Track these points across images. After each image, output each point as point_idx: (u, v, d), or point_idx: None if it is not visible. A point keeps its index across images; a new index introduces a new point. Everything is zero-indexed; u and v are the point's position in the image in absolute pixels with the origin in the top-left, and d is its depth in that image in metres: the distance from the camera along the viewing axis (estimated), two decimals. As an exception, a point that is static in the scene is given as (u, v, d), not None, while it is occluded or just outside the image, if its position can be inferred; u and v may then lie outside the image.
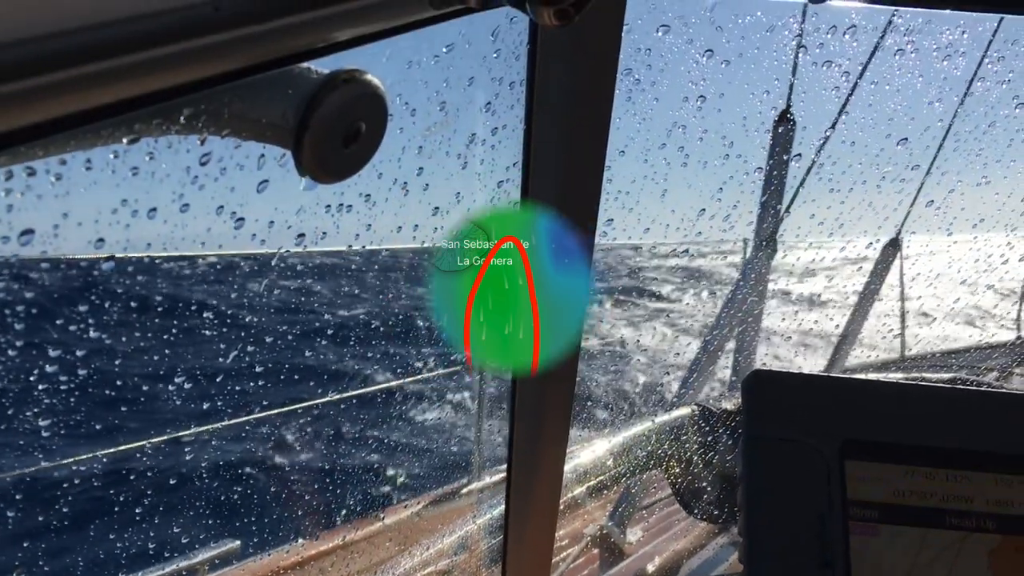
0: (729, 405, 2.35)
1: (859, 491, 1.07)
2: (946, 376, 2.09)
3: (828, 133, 5.40)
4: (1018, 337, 8.97)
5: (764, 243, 5.45)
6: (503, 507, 1.36)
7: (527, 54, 0.82)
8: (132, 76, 0.48)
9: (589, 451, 2.48)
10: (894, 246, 7.30)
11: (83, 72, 0.45)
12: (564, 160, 0.94)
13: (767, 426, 1.11)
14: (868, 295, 6.77)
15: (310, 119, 0.63)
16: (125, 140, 0.55)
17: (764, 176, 5.65)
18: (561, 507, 2.61)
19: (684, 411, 2.42)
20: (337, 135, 0.65)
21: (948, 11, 0.91)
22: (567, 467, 2.47)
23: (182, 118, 0.59)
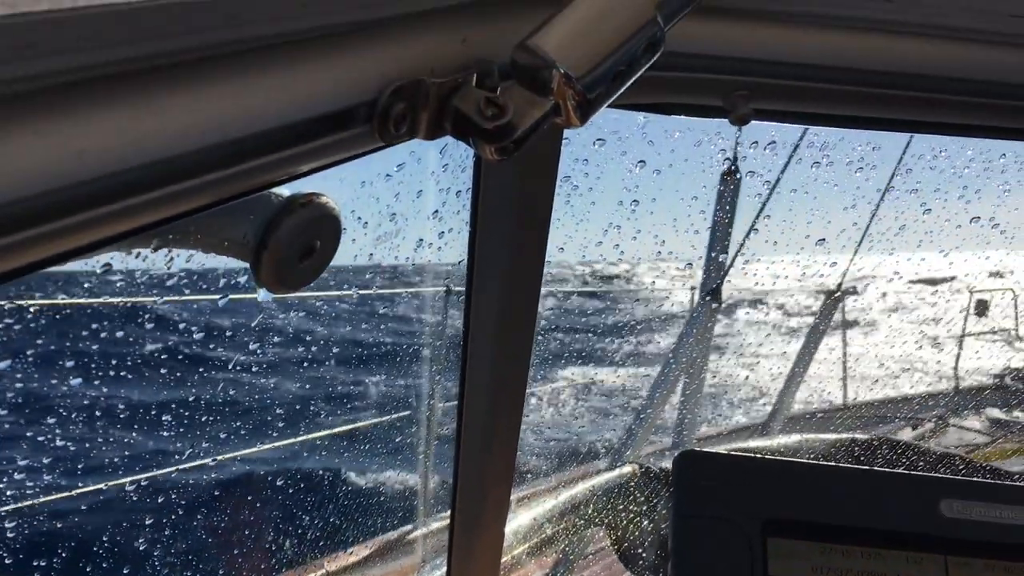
0: (670, 465, 2.41)
1: (780, 568, 1.14)
2: (874, 436, 2.19)
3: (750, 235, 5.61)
4: (955, 387, 9.22)
5: (708, 295, 5.57)
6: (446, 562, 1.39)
7: (472, 166, 0.89)
8: (112, 221, 0.54)
9: (530, 508, 2.52)
10: (835, 300, 7.48)
11: (64, 224, 0.51)
12: (507, 255, 1.00)
13: (695, 505, 1.17)
14: (809, 347, 6.93)
15: (268, 240, 0.68)
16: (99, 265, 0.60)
17: (709, 231, 5.81)
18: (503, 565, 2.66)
19: (626, 470, 2.48)
20: (293, 253, 0.70)
21: (860, 130, 1.00)
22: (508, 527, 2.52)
23: (153, 241, 0.65)
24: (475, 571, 1.43)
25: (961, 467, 1.87)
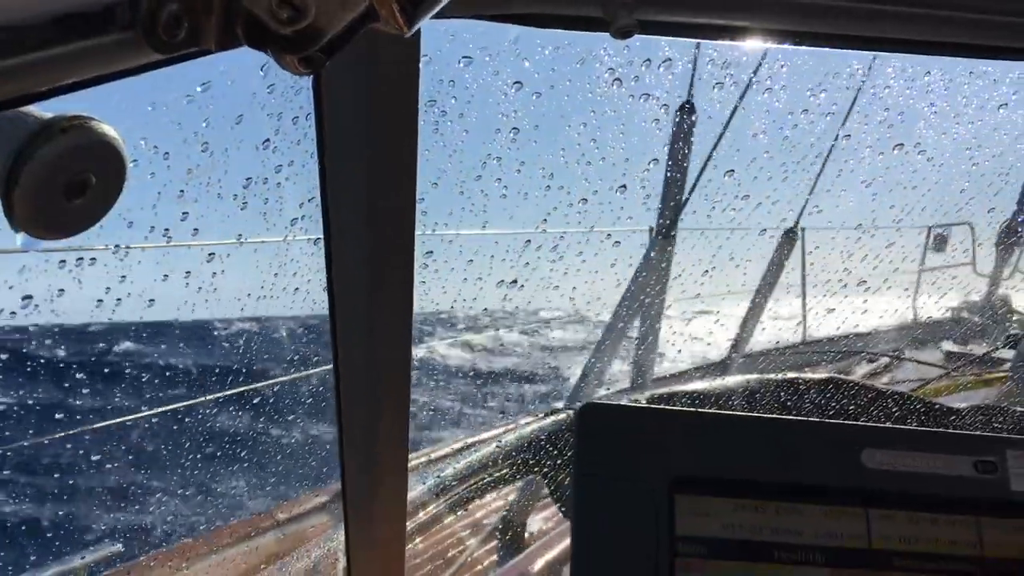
0: (605, 402, 2.34)
1: (688, 526, 1.05)
2: (823, 376, 2.13)
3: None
4: (913, 321, 9.30)
5: (663, 235, 5.49)
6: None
7: (311, 87, 0.77)
8: None
9: (464, 457, 2.44)
10: (791, 236, 7.45)
11: None
12: (370, 194, 0.89)
13: (597, 462, 1.08)
14: (766, 285, 6.91)
15: (19, 173, 0.56)
16: None
17: (665, 167, 5.71)
18: (446, 507, 2.60)
19: (561, 416, 2.39)
20: (55, 189, 0.58)
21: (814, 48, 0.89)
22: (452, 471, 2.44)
23: None
24: (378, 532, 1.34)
25: (895, 408, 1.81)
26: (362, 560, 1.35)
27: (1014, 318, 8.84)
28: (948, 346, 7.34)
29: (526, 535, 2.90)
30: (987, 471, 1.07)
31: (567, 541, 2.92)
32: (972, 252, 10.00)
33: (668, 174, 5.70)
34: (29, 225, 0.58)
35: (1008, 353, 5.29)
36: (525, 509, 2.84)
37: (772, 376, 2.20)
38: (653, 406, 1.13)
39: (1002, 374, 4.61)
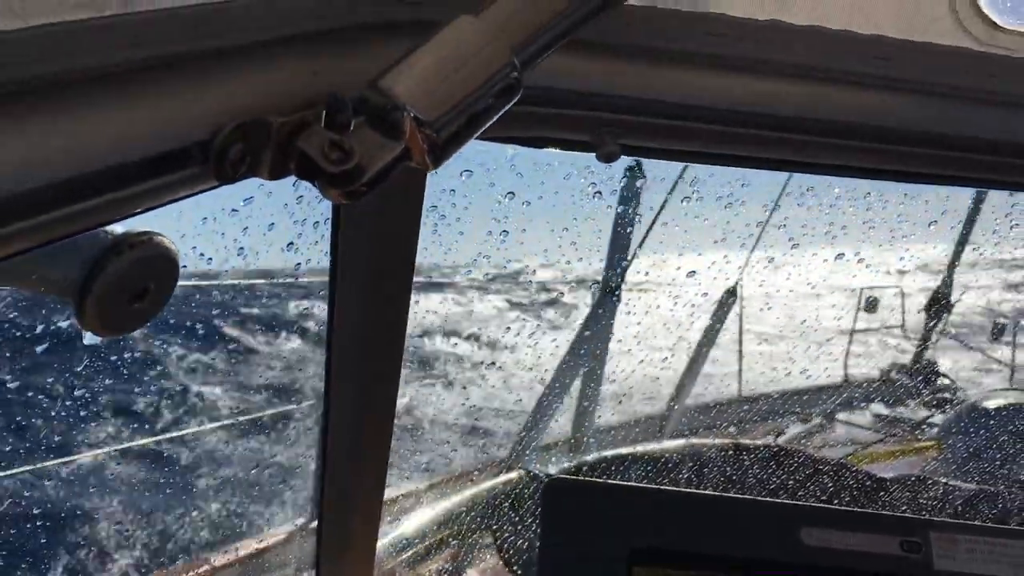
0: (555, 471, 2.42)
1: None
2: (758, 443, 2.25)
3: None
4: (844, 379, 9.55)
5: (609, 292, 5.62)
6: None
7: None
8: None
9: (415, 514, 2.50)
10: (731, 295, 7.65)
11: None
12: (369, 287, 0.98)
13: (562, 536, 1.16)
14: (705, 342, 7.07)
15: (93, 282, 0.64)
16: None
17: (611, 227, 5.87)
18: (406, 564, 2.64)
19: (512, 475, 2.47)
20: (121, 296, 0.66)
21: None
22: (393, 531, 2.49)
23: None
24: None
25: (829, 482, 1.93)
26: None
27: (941, 382, 9.11)
28: (877, 408, 7.56)
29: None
30: (912, 550, 1.18)
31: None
32: (902, 315, 10.34)
33: (615, 232, 5.86)
34: (94, 324, 0.66)
35: (935, 418, 5.50)
36: (473, 567, 2.90)
37: (716, 442, 2.31)
38: (612, 483, 1.22)
39: (930, 442, 4.80)
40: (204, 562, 3.69)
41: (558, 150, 0.94)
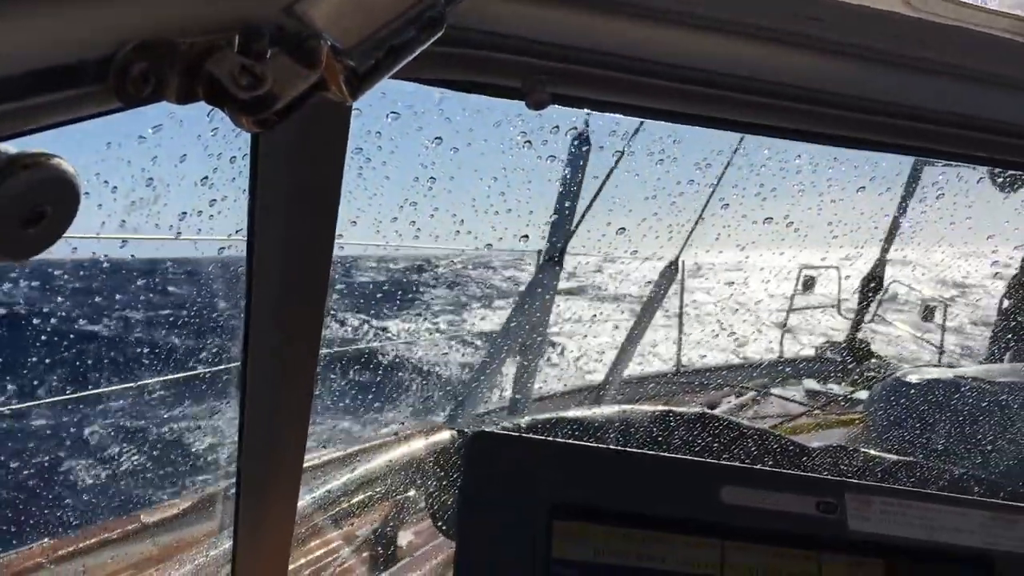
0: (488, 431, 2.42)
1: (564, 551, 1.14)
2: (695, 411, 2.27)
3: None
4: (779, 357, 9.75)
5: (550, 260, 5.63)
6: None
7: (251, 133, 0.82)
8: None
9: (342, 473, 2.49)
10: (672, 268, 7.71)
11: None
12: (290, 227, 0.95)
13: (483, 487, 1.16)
14: (646, 313, 7.13)
15: (-18, 204, 0.60)
16: None
17: (557, 193, 5.86)
18: (329, 521, 2.62)
19: (445, 435, 2.46)
20: (13, 219, 0.63)
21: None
22: (319, 489, 2.47)
23: None
24: (265, 541, 1.38)
25: (754, 447, 1.96)
26: (248, 565, 1.39)
27: (872, 360, 9.36)
28: (810, 384, 7.71)
29: (401, 550, 2.95)
30: (828, 511, 1.20)
31: (440, 557, 2.99)
32: (838, 295, 10.57)
33: (560, 201, 5.86)
34: (-15, 250, 0.62)
35: (863, 394, 5.63)
36: (402, 525, 2.90)
37: (647, 408, 2.33)
38: (537, 437, 1.22)
39: (856, 415, 4.92)
40: (127, 521, 3.64)
41: (487, 96, 0.92)
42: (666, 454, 1.24)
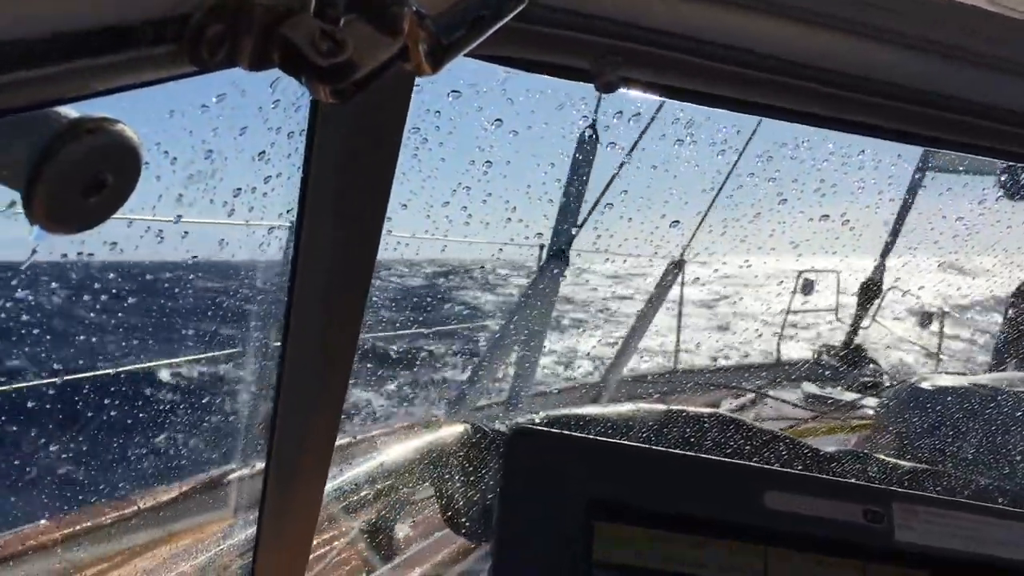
0: (502, 426, 2.39)
1: (604, 552, 1.11)
2: (707, 411, 2.24)
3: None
4: (776, 360, 9.73)
5: (555, 257, 5.59)
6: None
7: (308, 105, 0.79)
8: None
9: (353, 464, 2.44)
10: (676, 267, 7.68)
11: None
12: (341, 208, 0.91)
13: (524, 484, 1.12)
14: (647, 312, 7.10)
15: (43, 168, 0.56)
16: None
17: (562, 190, 5.81)
18: (342, 512, 2.58)
19: (458, 428, 2.42)
20: (75, 186, 0.59)
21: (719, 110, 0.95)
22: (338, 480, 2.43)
23: None
24: (289, 529, 1.34)
25: (784, 450, 1.92)
26: (270, 551, 1.35)
27: (869, 366, 9.33)
28: (808, 387, 7.68)
29: (404, 544, 2.91)
30: (875, 520, 1.17)
31: (442, 554, 2.95)
32: (836, 299, 10.55)
33: (566, 197, 5.81)
34: (45, 219, 0.58)
35: (866, 400, 5.61)
36: (407, 519, 2.86)
37: (664, 407, 2.30)
38: (578, 435, 1.18)
39: (865, 421, 4.89)
40: (154, 494, 3.61)
41: (553, 77, 0.88)
42: (708, 456, 1.21)
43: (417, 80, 0.84)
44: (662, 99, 0.94)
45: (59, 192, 0.58)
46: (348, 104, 0.71)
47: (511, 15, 0.66)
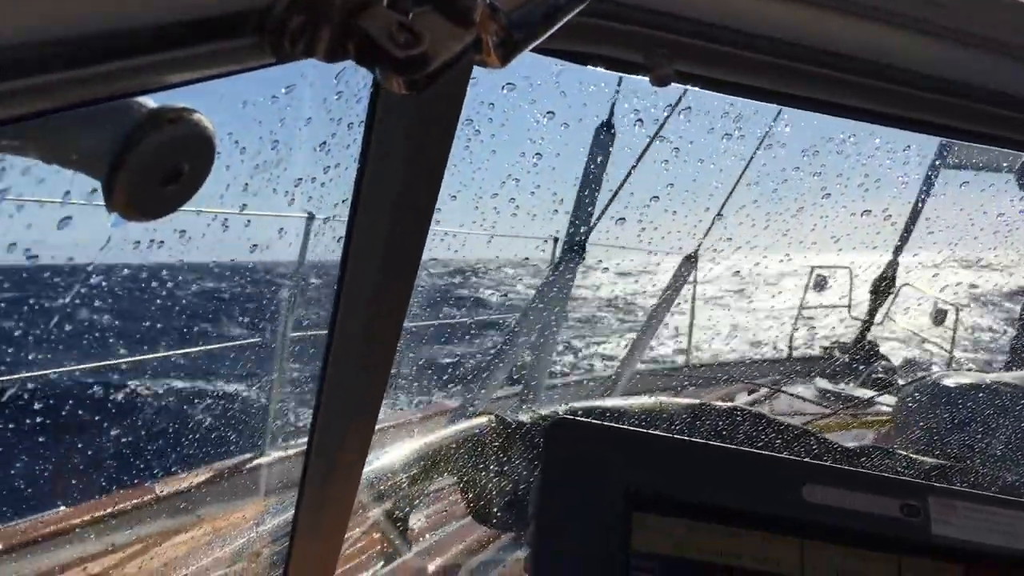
0: (525, 418, 2.40)
1: (643, 542, 1.11)
2: (733, 406, 2.25)
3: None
4: (788, 355, 9.72)
5: (573, 248, 5.59)
6: (294, 499, 1.31)
7: (369, 97, 0.79)
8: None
9: (381, 452, 2.46)
10: (690, 261, 7.66)
11: None
12: (394, 200, 0.92)
13: (562, 473, 1.13)
14: (661, 306, 7.10)
15: (126, 157, 0.57)
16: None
17: (579, 181, 5.80)
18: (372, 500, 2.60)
19: (482, 420, 2.43)
20: (154, 175, 0.60)
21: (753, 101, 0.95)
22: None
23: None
24: (326, 516, 1.36)
25: (814, 445, 1.94)
26: (306, 539, 1.37)
27: (880, 363, 9.30)
28: (821, 383, 7.66)
29: (422, 533, 2.94)
30: (911, 514, 1.17)
31: (464, 543, 2.97)
32: (849, 296, 10.52)
33: (581, 191, 5.80)
34: (125, 207, 0.59)
35: (881, 396, 5.60)
36: (427, 506, 2.89)
37: (688, 401, 2.31)
38: (616, 426, 1.19)
39: (879, 418, 4.88)
40: (197, 474, 3.64)
41: (608, 70, 0.88)
42: (745, 448, 1.21)
43: (474, 73, 0.84)
44: (709, 92, 0.94)
45: (140, 180, 0.59)
46: (408, 96, 0.72)
47: (578, 8, 0.67)
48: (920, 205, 8.88)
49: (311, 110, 0.85)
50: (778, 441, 1.88)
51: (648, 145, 5.45)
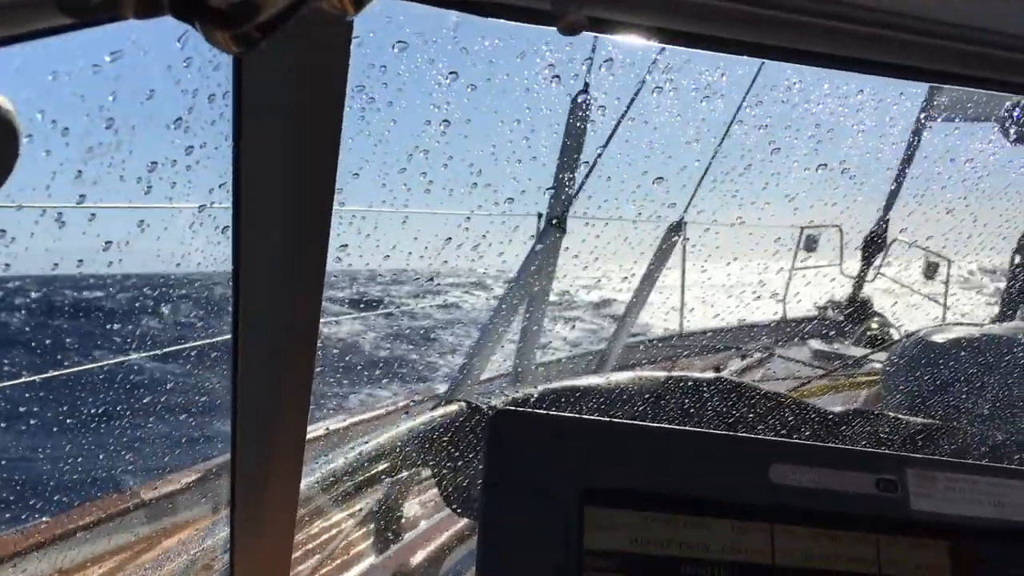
0: (497, 402, 2.31)
1: (597, 540, 1.03)
2: (710, 376, 2.16)
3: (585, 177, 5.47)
4: (782, 318, 9.66)
5: (553, 223, 5.49)
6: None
7: (232, 63, 0.69)
8: None
9: (346, 448, 2.38)
10: (676, 229, 7.56)
11: None
12: (286, 181, 0.82)
13: (506, 471, 1.04)
14: (649, 277, 7.01)
15: None
16: None
17: (559, 154, 5.68)
18: (331, 500, 2.51)
19: (452, 408, 2.35)
20: (-66, 166, 0.50)
21: (710, 52, 0.86)
22: (323, 467, 2.36)
23: None
24: (267, 526, 1.27)
25: (790, 416, 1.84)
26: (247, 548, 1.28)
27: (874, 320, 9.26)
28: (815, 344, 7.60)
29: (405, 526, 2.86)
30: (888, 489, 1.09)
31: (445, 535, 2.89)
32: (840, 254, 10.45)
33: (561, 162, 5.68)
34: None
35: (875, 355, 5.53)
36: (407, 500, 2.80)
37: (665, 374, 2.22)
38: (564, 415, 1.10)
39: (871, 378, 4.81)
40: (121, 499, 3.54)
41: (511, 21, 0.78)
42: (705, 430, 1.12)
43: (355, 30, 0.74)
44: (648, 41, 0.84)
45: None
46: (277, 58, 0.62)
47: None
48: (911, 153, 8.79)
49: (153, 81, 0.75)
50: (751, 414, 1.80)
51: (624, 112, 5.34)
